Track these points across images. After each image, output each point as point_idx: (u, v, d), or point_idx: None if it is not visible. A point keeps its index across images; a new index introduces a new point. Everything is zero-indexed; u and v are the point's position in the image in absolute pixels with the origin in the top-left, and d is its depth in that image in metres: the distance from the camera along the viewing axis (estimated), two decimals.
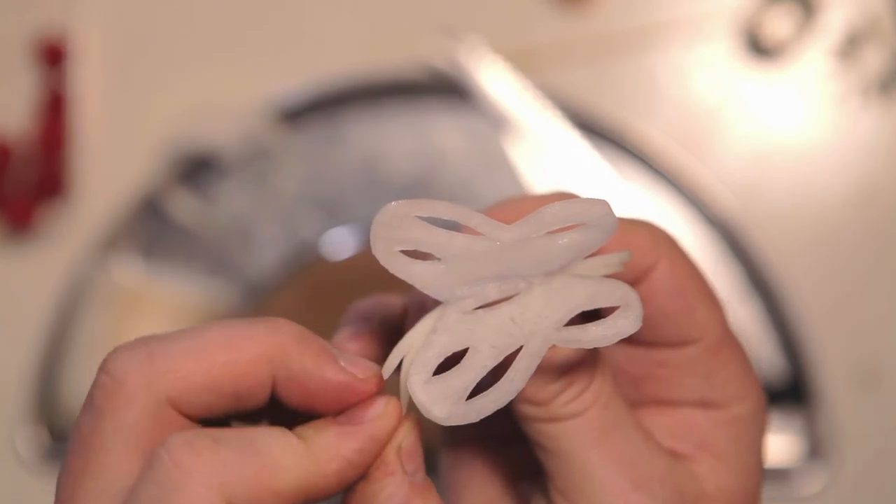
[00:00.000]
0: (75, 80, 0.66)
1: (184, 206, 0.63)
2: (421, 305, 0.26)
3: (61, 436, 0.61)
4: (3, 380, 0.62)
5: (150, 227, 0.63)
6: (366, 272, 0.61)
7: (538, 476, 0.28)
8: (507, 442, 0.30)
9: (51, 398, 0.61)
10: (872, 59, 0.63)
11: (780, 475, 0.58)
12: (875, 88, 0.63)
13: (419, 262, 0.24)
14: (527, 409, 0.26)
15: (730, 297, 0.59)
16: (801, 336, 0.60)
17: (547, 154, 0.62)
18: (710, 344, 0.28)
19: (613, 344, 0.24)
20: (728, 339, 0.28)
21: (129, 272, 0.61)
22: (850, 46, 0.63)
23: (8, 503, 0.63)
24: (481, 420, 0.24)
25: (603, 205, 0.23)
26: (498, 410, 0.24)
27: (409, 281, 0.24)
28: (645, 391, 0.28)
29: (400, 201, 0.24)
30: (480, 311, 0.24)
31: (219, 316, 0.61)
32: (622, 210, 0.24)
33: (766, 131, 0.64)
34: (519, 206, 0.27)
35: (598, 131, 0.63)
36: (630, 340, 0.28)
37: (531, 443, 0.27)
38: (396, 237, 0.24)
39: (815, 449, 0.59)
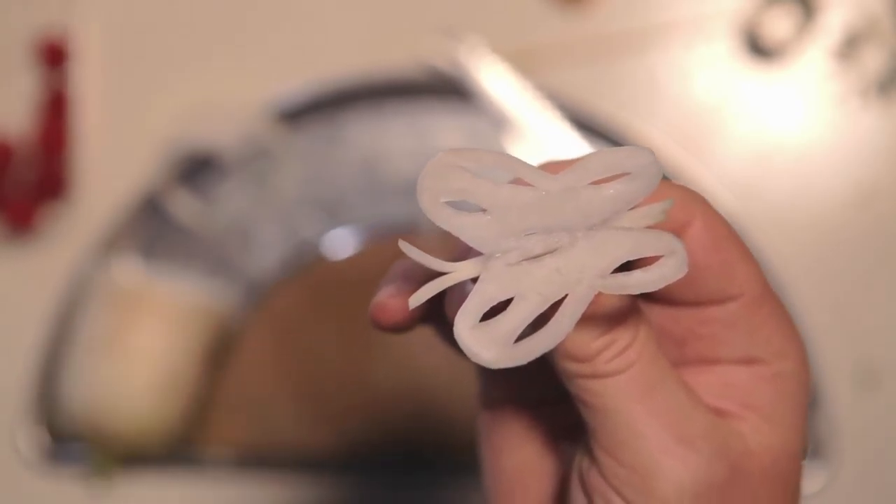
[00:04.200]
0: (76, 81, 0.66)
1: (184, 206, 0.63)
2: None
3: (61, 436, 0.61)
4: (3, 380, 0.62)
5: (150, 227, 0.63)
6: (366, 272, 0.61)
7: (577, 436, 0.28)
8: (545, 403, 0.30)
9: (51, 398, 0.61)
10: (872, 60, 0.63)
11: None
12: (874, 89, 0.63)
13: (464, 213, 0.24)
14: (571, 366, 0.26)
15: None
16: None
17: (547, 154, 0.62)
18: (752, 299, 0.27)
19: (656, 306, 0.24)
20: (769, 295, 0.28)
21: (129, 272, 0.61)
22: (850, 47, 0.63)
23: (9, 503, 0.63)
24: (519, 379, 0.24)
25: (648, 153, 0.24)
26: (537, 369, 0.24)
27: (455, 232, 0.24)
28: (688, 351, 0.28)
29: (448, 150, 0.24)
30: (525, 262, 0.24)
31: (219, 316, 0.61)
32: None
33: (766, 131, 0.64)
34: (563, 163, 0.27)
35: (599, 131, 0.63)
36: (671, 301, 0.28)
37: (575, 400, 0.27)
38: (443, 187, 0.24)
39: (815, 449, 0.59)
